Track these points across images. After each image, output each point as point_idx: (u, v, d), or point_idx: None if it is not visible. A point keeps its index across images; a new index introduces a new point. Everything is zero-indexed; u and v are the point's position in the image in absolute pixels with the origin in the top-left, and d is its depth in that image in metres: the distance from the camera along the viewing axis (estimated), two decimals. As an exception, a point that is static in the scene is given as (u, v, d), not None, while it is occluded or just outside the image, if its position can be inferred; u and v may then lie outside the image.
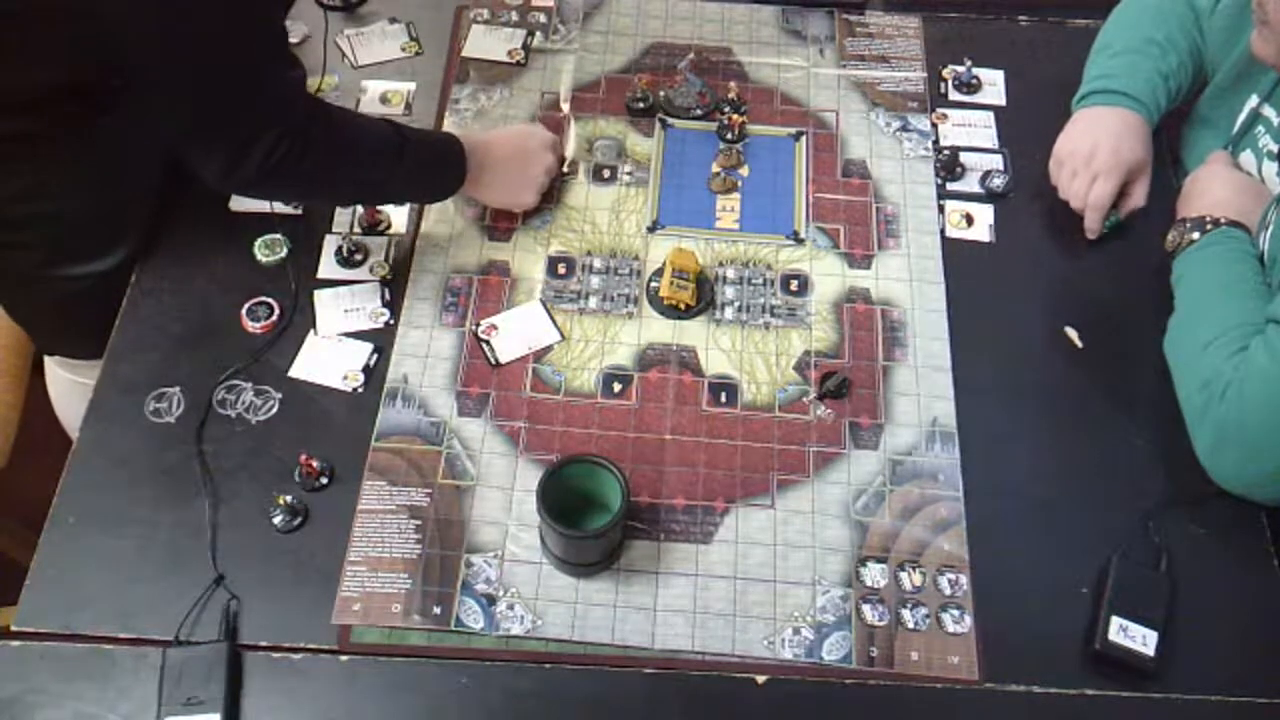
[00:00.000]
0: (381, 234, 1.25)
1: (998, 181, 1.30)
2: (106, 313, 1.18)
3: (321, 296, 1.19)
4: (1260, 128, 1.18)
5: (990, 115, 1.37)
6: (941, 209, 1.29)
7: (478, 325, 1.18)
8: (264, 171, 1.03)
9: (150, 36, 0.96)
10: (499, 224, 1.26)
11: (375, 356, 1.16)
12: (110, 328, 1.16)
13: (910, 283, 1.23)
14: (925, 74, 1.41)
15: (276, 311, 1.18)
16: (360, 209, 1.24)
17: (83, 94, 1.04)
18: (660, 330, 1.19)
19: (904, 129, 1.36)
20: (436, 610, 1.01)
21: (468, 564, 1.04)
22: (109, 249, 1.20)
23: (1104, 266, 1.25)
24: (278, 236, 1.22)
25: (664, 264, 1.21)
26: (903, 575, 1.04)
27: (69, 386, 1.40)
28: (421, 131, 1.20)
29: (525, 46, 1.42)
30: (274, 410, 1.12)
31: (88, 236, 1.19)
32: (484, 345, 1.17)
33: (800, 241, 1.26)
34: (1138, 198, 1.25)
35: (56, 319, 1.31)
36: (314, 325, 1.17)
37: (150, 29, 0.95)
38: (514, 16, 1.46)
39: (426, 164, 1.17)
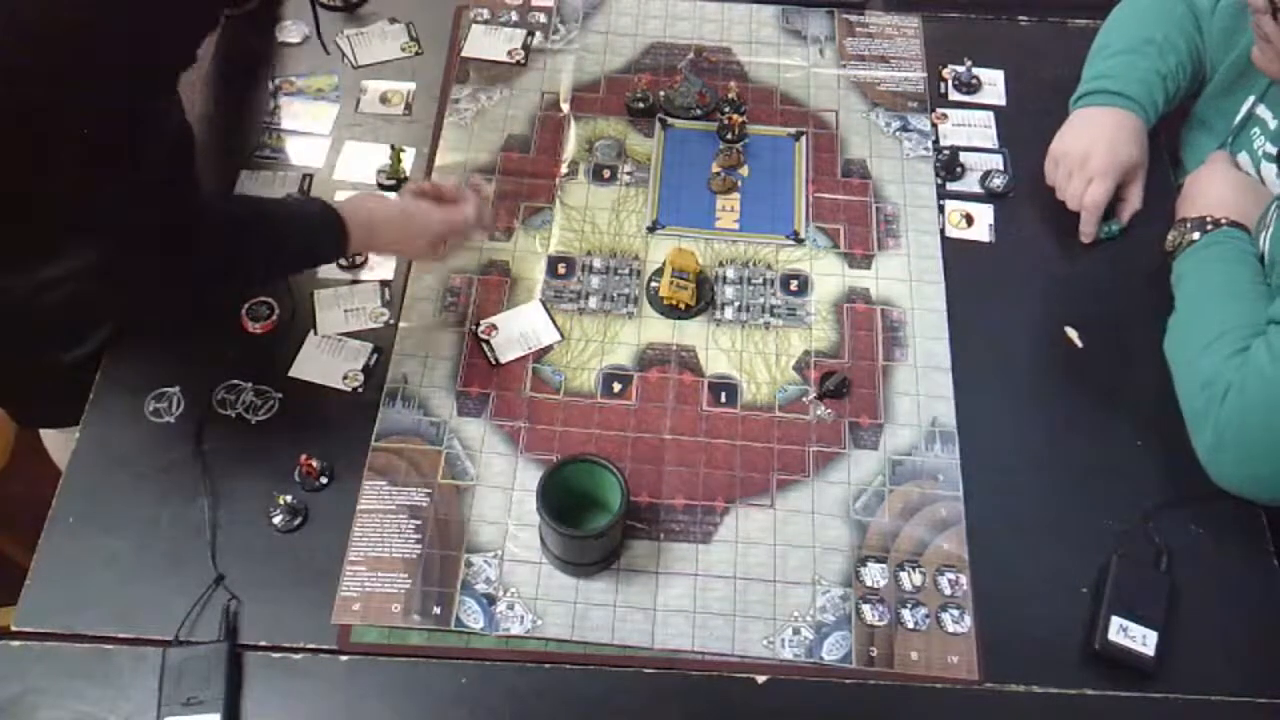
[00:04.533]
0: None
1: (998, 181, 1.30)
2: (80, 390, 1.13)
3: (321, 296, 1.19)
4: (1256, 129, 1.18)
5: (990, 115, 1.37)
6: (941, 209, 1.29)
7: (478, 325, 1.18)
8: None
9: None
10: (499, 224, 1.26)
11: (375, 356, 1.16)
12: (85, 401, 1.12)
13: (910, 283, 1.23)
14: (925, 74, 1.41)
15: (276, 311, 1.17)
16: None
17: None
18: (660, 330, 1.19)
19: (904, 129, 1.36)
20: (436, 610, 1.01)
21: (468, 564, 1.04)
22: (79, 341, 1.15)
23: (1104, 266, 1.25)
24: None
25: (664, 264, 1.21)
26: (902, 575, 1.04)
27: (64, 443, 1.31)
28: (284, 206, 1.14)
29: (525, 46, 1.42)
30: (274, 410, 1.12)
31: (55, 330, 1.14)
32: (484, 345, 1.17)
33: (800, 241, 1.26)
34: (1133, 200, 1.25)
35: (34, 401, 1.28)
36: (314, 325, 1.17)
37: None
38: (514, 16, 1.46)
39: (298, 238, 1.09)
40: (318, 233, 1.08)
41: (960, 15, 1.48)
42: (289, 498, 1.04)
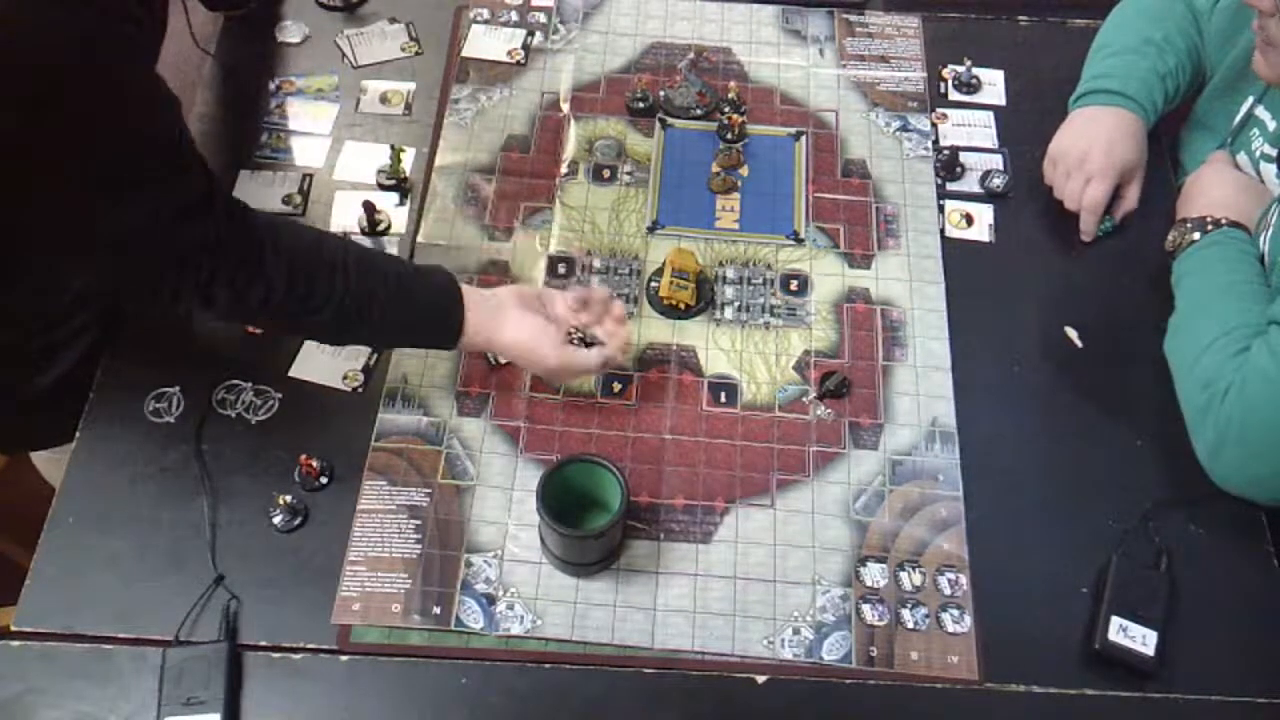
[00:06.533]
0: (382, 235, 1.25)
1: (997, 181, 1.30)
2: (58, 413, 1.12)
3: (321, 296, 1.19)
4: (1255, 130, 1.18)
5: (990, 115, 1.37)
6: (941, 209, 1.29)
7: (478, 325, 1.18)
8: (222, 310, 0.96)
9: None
10: (499, 224, 1.26)
11: (375, 356, 1.15)
12: (73, 420, 1.11)
13: (910, 283, 1.23)
14: (925, 74, 1.41)
15: (276, 311, 1.17)
16: (362, 212, 1.24)
17: None
18: (660, 330, 1.19)
19: (904, 129, 1.36)
20: (436, 610, 1.01)
21: (468, 564, 1.04)
22: (47, 366, 1.13)
23: (1104, 266, 1.25)
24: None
25: (664, 264, 1.21)
26: (902, 575, 1.04)
27: (55, 462, 1.25)
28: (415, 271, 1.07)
29: (525, 46, 1.42)
30: (274, 410, 1.12)
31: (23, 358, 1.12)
32: (484, 345, 1.17)
33: (800, 241, 1.26)
34: (1131, 199, 1.25)
35: (6, 429, 1.23)
36: (314, 325, 1.17)
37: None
38: (514, 16, 1.46)
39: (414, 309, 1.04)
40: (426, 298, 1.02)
41: (960, 15, 1.48)
42: (289, 498, 1.04)
